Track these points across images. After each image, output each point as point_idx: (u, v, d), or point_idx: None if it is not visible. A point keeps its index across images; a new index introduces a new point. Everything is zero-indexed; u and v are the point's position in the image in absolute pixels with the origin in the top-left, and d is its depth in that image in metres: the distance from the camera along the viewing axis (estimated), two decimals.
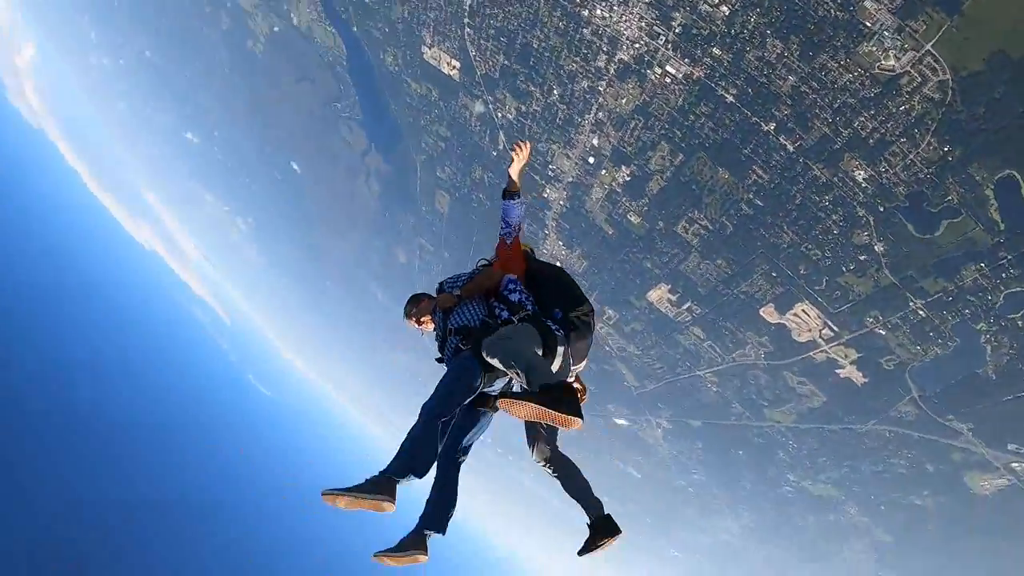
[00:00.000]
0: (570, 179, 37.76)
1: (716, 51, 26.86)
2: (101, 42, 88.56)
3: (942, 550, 43.56)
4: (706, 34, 26.61)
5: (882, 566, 48.14)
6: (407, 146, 49.27)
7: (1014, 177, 23.57)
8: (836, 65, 24.32)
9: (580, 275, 43.64)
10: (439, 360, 5.84)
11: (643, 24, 28.18)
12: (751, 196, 31.08)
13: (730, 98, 28.02)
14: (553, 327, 5.55)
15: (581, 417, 4.60)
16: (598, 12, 29.35)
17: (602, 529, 5.28)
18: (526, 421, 5.38)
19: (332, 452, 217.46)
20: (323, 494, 4.59)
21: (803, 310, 33.89)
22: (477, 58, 36.18)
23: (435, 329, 6.12)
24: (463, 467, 5.66)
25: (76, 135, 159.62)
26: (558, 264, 5.55)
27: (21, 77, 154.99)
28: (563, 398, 4.52)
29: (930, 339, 30.60)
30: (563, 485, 5.71)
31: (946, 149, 24.11)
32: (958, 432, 33.39)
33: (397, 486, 4.71)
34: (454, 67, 38.25)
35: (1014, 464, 33.13)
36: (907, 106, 23.69)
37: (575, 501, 5.54)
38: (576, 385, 6.33)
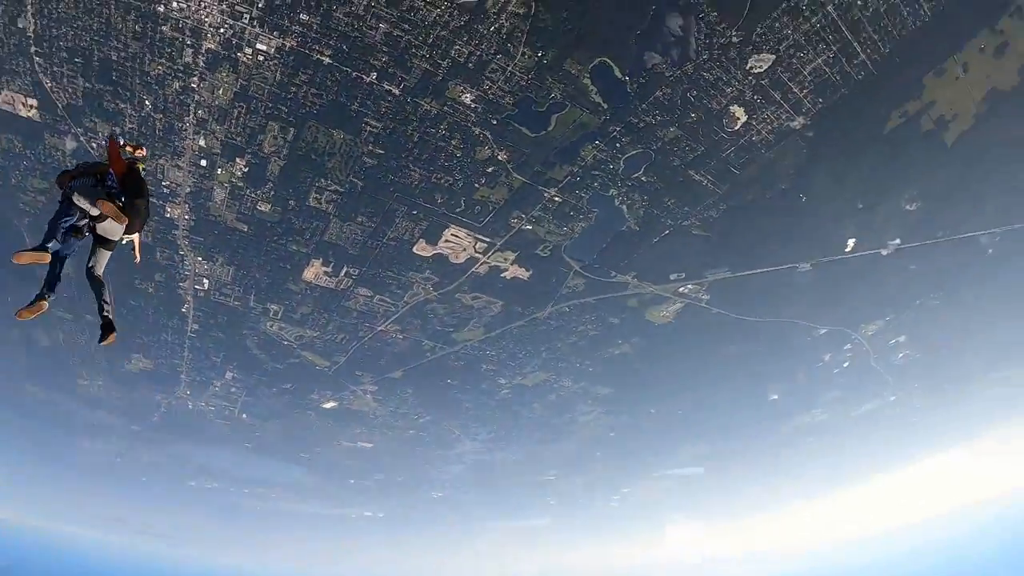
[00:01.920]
0: (188, 190, 34.93)
1: (304, 16, 26.27)
2: None
3: (646, 381, 49.79)
4: (290, 2, 26.28)
5: (610, 412, 54.85)
6: (3, 214, 43.41)
7: (606, 63, 26.20)
8: (423, 3, 24.91)
9: (229, 283, 41.60)
10: (60, 202, 9.42)
11: (224, 7, 26.77)
12: (371, 147, 30.60)
13: (327, 60, 27.61)
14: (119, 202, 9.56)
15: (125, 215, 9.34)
16: (175, 5, 27.28)
17: (107, 328, 9.31)
18: (93, 253, 9.74)
19: None
20: (14, 256, 8.26)
21: (453, 234, 35.32)
22: (55, 89, 31.89)
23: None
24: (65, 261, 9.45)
25: None
26: (147, 182, 9.24)
27: None
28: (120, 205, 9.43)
29: (572, 218, 33.73)
30: (95, 293, 9.56)
31: (540, 54, 25.61)
32: (625, 283, 37.94)
33: (47, 250, 8.73)
34: (31, 106, 33.60)
35: (680, 288, 38.69)
36: (496, 25, 24.93)
37: (97, 304, 9.51)
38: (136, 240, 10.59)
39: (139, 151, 10.87)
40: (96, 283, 9.72)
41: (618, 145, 29.58)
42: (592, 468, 71.30)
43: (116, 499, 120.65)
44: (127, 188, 9.92)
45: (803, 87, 27.34)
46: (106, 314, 9.49)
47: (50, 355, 56.47)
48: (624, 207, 32.81)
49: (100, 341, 9.28)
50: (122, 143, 10.60)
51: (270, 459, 74.80)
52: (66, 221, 9.11)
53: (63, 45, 29.54)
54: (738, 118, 28.31)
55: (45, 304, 8.85)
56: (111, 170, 9.96)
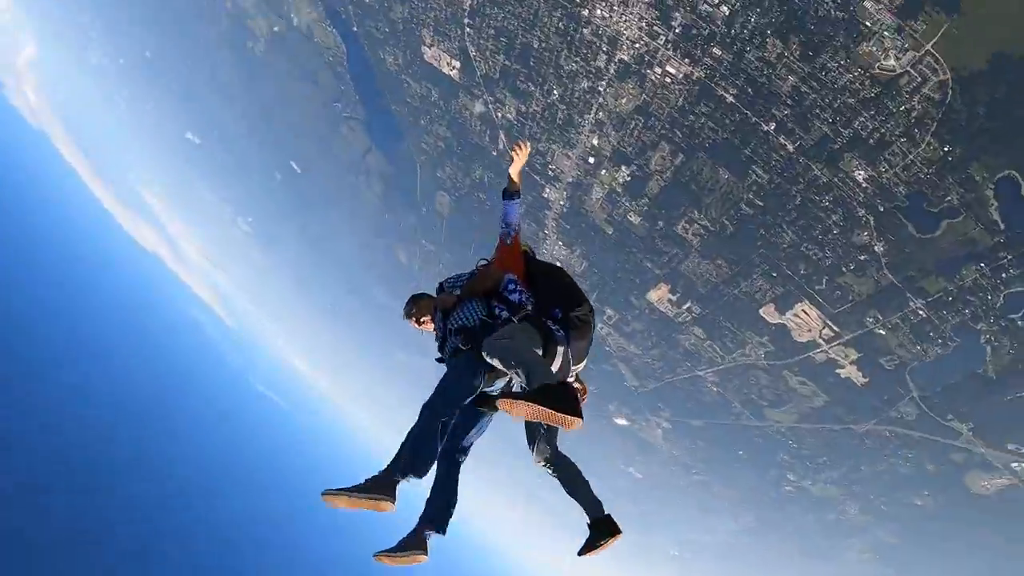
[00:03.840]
0: (570, 179, 37.73)
1: (716, 51, 26.80)
2: (102, 40, 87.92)
3: (940, 549, 43.70)
4: (706, 34, 26.56)
5: (884, 565, 48.29)
6: (408, 146, 49.10)
7: (1014, 177, 23.57)
8: (836, 65, 24.27)
9: (580, 275, 43.53)
10: (439, 360, 5.73)
11: (643, 24, 28.12)
12: (751, 196, 31.01)
13: (730, 98, 27.98)
14: (553, 327, 5.43)
15: (581, 417, 4.42)
16: (598, 12, 29.27)
17: (602, 529, 5.19)
18: (526, 421, 5.27)
19: (335, 455, 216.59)
20: (323, 495, 4.48)
21: (803, 310, 33.85)
22: (477, 58, 36.09)
23: (435, 329, 6.01)
24: (463, 467, 5.59)
25: (76, 133, 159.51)
26: (558, 264, 5.46)
27: (21, 76, 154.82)
28: (563, 397, 4.38)
29: (930, 339, 30.59)
30: (563, 486, 5.59)
31: (946, 149, 24.10)
32: (958, 432, 33.41)
33: (397, 485, 4.63)
34: (454, 67, 38.18)
35: (1014, 464, 33.17)
36: (907, 106, 23.64)
37: (575, 501, 5.44)
38: (576, 384, 6.10)
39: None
40: (567, 470, 5.65)
41: (1004, 276, 26.17)
42: None
43: None
44: (543, 293, 5.92)
45: None
46: (601, 511, 5.39)
47: None
48: (988, 347, 28.79)
49: (583, 551, 5.24)
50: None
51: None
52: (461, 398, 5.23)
53: (492, 24, 33.17)
54: None
55: (422, 557, 4.91)
56: (504, 276, 5.91)
